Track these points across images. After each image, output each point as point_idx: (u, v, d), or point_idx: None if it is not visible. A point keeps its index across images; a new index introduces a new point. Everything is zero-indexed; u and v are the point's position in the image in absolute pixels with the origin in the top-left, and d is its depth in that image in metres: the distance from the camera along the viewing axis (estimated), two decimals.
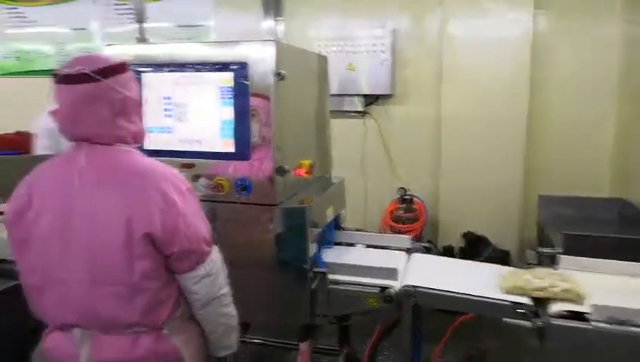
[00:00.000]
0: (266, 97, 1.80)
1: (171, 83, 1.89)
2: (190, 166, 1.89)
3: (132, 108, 1.41)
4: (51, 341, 1.44)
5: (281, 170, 1.85)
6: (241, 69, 1.81)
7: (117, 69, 1.37)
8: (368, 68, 3.94)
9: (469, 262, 2.38)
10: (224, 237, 1.90)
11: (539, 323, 1.68)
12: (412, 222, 3.88)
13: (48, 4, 4.63)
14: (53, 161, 1.44)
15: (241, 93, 1.81)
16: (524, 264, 2.25)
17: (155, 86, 1.90)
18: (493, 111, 3.73)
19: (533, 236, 3.34)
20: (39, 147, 2.64)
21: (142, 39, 2.01)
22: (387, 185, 4.15)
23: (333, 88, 4.09)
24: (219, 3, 4.24)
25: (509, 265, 2.29)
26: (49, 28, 4.69)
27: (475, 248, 3.62)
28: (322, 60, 2.46)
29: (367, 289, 1.91)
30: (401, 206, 3.98)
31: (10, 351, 2.20)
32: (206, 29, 4.28)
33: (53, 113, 1.38)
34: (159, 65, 1.90)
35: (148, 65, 1.90)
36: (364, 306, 1.91)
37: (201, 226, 1.43)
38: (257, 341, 2.91)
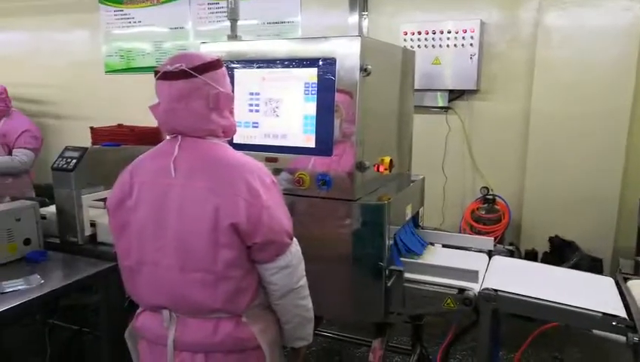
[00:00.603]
0: (350, 93, 1.82)
1: (259, 78, 1.96)
2: (274, 160, 1.96)
3: (225, 103, 1.48)
4: (142, 321, 1.55)
5: (361, 166, 1.87)
6: (326, 65, 1.84)
7: (212, 65, 1.45)
8: (454, 62, 3.83)
9: (557, 267, 2.26)
10: (303, 230, 1.95)
11: (635, 338, 1.57)
12: (494, 223, 3.74)
13: (150, 6, 4.96)
14: (151, 152, 1.54)
15: (325, 89, 1.85)
16: (619, 273, 2.10)
17: (244, 82, 1.99)
18: (590, 108, 3.47)
19: (630, 244, 3.09)
20: None
21: (233, 36, 2.10)
22: (468, 183, 4.03)
23: (418, 83, 4.04)
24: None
25: (601, 274, 2.15)
26: (149, 27, 5.01)
27: (561, 253, 3.42)
28: (409, 55, 2.44)
29: (445, 290, 1.89)
30: (482, 206, 3.85)
31: (110, 327, 2.42)
32: (294, 25, 4.36)
33: (153, 108, 1.49)
34: (248, 62, 1.98)
35: (238, 61, 1.99)
36: (440, 307, 1.89)
37: (284, 219, 1.48)
38: (328, 334, 2.97)
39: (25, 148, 3.65)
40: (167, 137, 1.52)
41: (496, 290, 1.84)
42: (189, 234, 1.41)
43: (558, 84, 3.55)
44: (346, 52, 1.81)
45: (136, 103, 3.60)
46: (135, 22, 5.08)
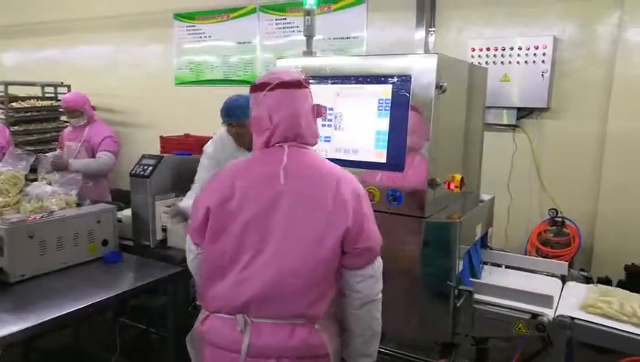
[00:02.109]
0: (424, 110, 1.81)
1: (333, 94, 2.00)
2: None
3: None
4: (209, 325, 1.56)
5: (433, 183, 1.85)
6: (401, 82, 1.85)
7: (308, 80, 1.59)
8: (523, 79, 3.73)
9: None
10: None
11: None
12: (562, 246, 3.58)
13: (221, 21, 5.17)
14: (255, 158, 1.60)
15: (399, 105, 1.86)
16: None
17: (318, 96, 2.01)
18: None
19: None
20: (200, 166, 2.76)
21: (309, 52, 2.15)
22: (535, 204, 3.88)
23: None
24: (372, 15, 4.35)
25: None
26: (218, 42, 5.21)
27: (637, 284, 3.21)
28: (481, 72, 2.41)
29: (517, 314, 1.83)
30: (550, 228, 3.69)
31: (176, 328, 2.51)
32: (359, 40, 4.41)
33: (255, 121, 1.55)
34: (323, 77, 2.02)
35: (313, 77, 2.03)
36: (510, 331, 1.83)
37: (376, 228, 1.55)
38: (387, 351, 2.93)
39: (107, 150, 3.86)
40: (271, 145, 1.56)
41: (572, 318, 1.76)
42: (294, 241, 1.47)
43: (638, 104, 3.38)
44: (422, 69, 1.82)
45: (203, 114, 3.77)
46: (205, 36, 5.30)
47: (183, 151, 3.39)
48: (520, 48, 3.71)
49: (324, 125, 2.02)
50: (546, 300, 1.81)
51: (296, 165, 1.51)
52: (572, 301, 1.94)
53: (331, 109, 2.00)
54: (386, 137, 1.89)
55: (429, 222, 1.85)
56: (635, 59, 3.36)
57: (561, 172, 3.79)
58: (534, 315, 1.79)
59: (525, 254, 3.75)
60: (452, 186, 1.98)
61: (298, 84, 1.53)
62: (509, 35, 3.78)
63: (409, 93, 1.83)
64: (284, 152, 1.51)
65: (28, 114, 5.58)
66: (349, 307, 1.54)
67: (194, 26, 5.35)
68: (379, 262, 1.53)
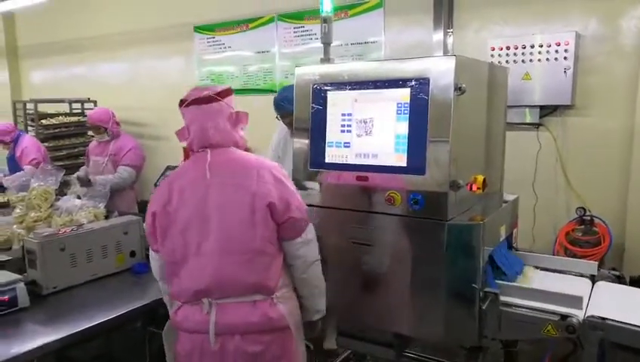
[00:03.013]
0: (444, 112, 1.80)
1: (351, 100, 2.00)
2: (364, 178, 1.98)
3: (242, 119, 1.89)
4: (182, 314, 1.77)
5: (454, 185, 1.84)
6: (419, 85, 1.84)
7: (228, 92, 1.86)
8: (545, 77, 3.66)
9: None
10: (394, 249, 1.96)
11: None
12: (592, 246, 3.49)
13: (240, 32, 5.23)
14: (185, 165, 1.87)
15: (418, 108, 1.85)
16: None
17: (336, 103, 2.04)
18: None
19: None
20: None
21: (326, 59, 2.16)
22: (561, 203, 3.80)
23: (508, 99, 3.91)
24: (390, 19, 4.34)
25: None
26: (237, 52, 5.28)
27: None
28: (502, 72, 2.39)
29: (545, 316, 1.79)
30: (579, 227, 3.60)
31: None
32: (377, 45, 4.41)
33: (181, 132, 1.85)
34: (341, 84, 2.03)
35: (331, 84, 2.05)
36: (539, 333, 1.79)
37: (302, 201, 1.85)
38: (412, 355, 2.89)
39: (127, 165, 3.95)
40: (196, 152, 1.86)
41: (603, 318, 1.72)
42: (230, 223, 1.72)
43: None
44: (441, 71, 1.81)
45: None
46: (225, 47, 5.38)
47: None
48: (541, 46, 3.65)
49: (342, 131, 2.02)
50: (576, 301, 1.77)
51: (219, 161, 1.78)
52: (602, 301, 1.89)
53: (350, 115, 2.01)
54: (406, 141, 1.88)
55: (451, 225, 1.84)
56: None
57: (588, 169, 3.70)
58: (563, 316, 1.75)
59: (553, 254, 3.69)
60: (474, 188, 1.96)
61: (208, 100, 1.79)
62: (529, 33, 3.73)
63: (428, 96, 1.83)
64: (207, 154, 1.79)
65: (57, 130, 5.75)
66: (296, 272, 1.83)
67: (214, 37, 5.44)
68: (310, 228, 1.84)
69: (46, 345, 1.88)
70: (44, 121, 5.70)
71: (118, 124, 4.25)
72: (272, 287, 1.74)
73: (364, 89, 1.97)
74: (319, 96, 2.06)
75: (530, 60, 3.71)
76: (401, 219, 1.92)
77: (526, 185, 3.85)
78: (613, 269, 3.52)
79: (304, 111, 2.10)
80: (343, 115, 2.02)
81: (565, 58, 3.58)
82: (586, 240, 3.53)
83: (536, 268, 2.25)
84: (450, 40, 4.12)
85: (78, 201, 2.80)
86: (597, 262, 2.12)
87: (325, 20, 2.18)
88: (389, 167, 1.93)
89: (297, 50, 4.84)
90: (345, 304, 2.09)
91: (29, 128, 5.78)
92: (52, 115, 5.86)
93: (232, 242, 1.71)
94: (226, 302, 1.70)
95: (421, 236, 1.90)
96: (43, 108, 5.88)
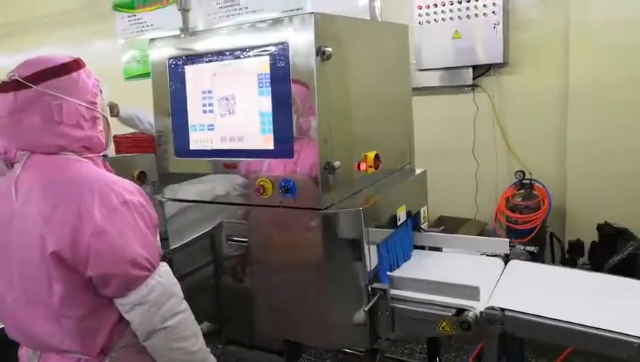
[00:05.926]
0: (307, 82, 1.52)
1: (210, 74, 1.70)
2: (232, 166, 1.70)
3: (75, 112, 1.26)
4: (20, 354, 1.40)
5: (329, 168, 1.57)
6: (278, 51, 1.55)
7: (54, 71, 1.24)
8: (476, 34, 3.40)
9: (590, 274, 1.86)
10: (267, 246, 1.70)
11: None
12: (532, 211, 3.29)
13: (161, 7, 4.83)
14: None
15: (279, 80, 1.56)
16: None
17: (195, 79, 1.73)
18: None
19: None
20: None
21: (185, 29, 1.85)
22: (502, 168, 3.59)
23: (438, 61, 3.65)
24: None
25: None
26: (161, 31, 4.86)
27: (612, 243, 2.94)
28: (399, 30, 2.10)
29: (439, 311, 1.55)
30: (518, 192, 3.41)
31: None
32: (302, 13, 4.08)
33: None
34: (199, 56, 1.72)
35: (187, 57, 1.74)
36: (434, 331, 1.56)
37: (131, 247, 1.21)
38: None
39: None
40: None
41: (503, 309, 1.50)
42: (26, 265, 1.22)
43: (598, 51, 3.06)
44: (299, 34, 1.51)
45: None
46: (148, 26, 5.00)
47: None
48: (469, 1, 3.37)
49: (205, 111, 1.73)
50: (472, 291, 1.53)
51: (32, 177, 1.24)
52: (509, 285, 1.67)
53: (210, 92, 1.71)
54: (271, 119, 1.60)
55: (325, 214, 1.57)
56: (592, 3, 3.02)
57: (527, 131, 3.48)
58: (459, 311, 1.52)
59: (494, 223, 3.50)
60: (365, 167, 1.69)
61: (15, 86, 1.21)
62: None
63: (288, 65, 1.53)
64: (20, 163, 1.27)
65: None
66: (139, 338, 1.27)
67: (135, 15, 5.04)
68: (149, 286, 1.22)
69: None
70: None
71: None
72: (93, 353, 1.26)
73: (222, 60, 1.67)
74: (176, 72, 1.76)
75: (459, 17, 3.43)
76: (275, 210, 1.64)
77: (466, 151, 3.63)
78: (552, 235, 3.37)
79: (163, 91, 1.80)
80: (204, 92, 1.72)
81: (494, 12, 3.31)
82: (526, 205, 3.33)
83: (446, 250, 2.02)
84: (377, 3, 3.80)
85: None
86: (508, 240, 1.88)
87: None
88: (256, 150, 1.65)
89: (225, 24, 4.46)
90: (230, 310, 1.84)
91: None
92: None
93: (32, 291, 1.24)
94: (49, 354, 1.29)
95: (297, 229, 1.63)
96: None
